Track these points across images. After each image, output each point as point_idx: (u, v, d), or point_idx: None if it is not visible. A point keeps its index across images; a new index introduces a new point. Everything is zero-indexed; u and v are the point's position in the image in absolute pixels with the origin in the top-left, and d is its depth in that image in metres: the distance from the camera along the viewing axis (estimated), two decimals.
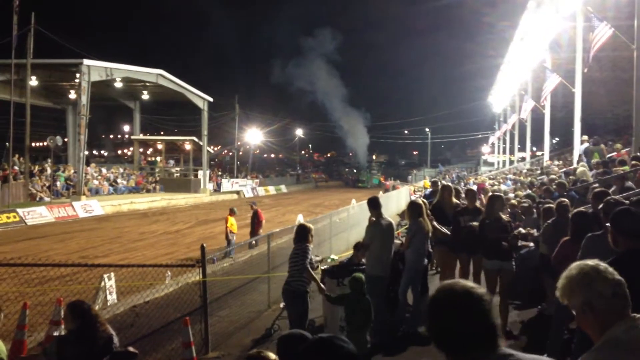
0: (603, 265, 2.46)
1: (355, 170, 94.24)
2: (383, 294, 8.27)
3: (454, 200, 10.08)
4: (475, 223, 8.69)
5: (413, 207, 8.97)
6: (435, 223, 9.25)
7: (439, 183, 13.86)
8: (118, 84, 41.65)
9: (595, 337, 2.40)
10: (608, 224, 4.33)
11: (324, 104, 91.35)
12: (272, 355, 3.33)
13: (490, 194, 11.63)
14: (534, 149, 49.07)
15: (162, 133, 66.54)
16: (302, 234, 7.90)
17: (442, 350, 1.99)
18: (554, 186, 12.32)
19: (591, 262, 2.49)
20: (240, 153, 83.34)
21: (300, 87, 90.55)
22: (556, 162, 26.86)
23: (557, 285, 2.52)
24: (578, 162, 18.39)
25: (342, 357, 1.96)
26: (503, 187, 20.30)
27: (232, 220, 18.73)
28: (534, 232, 9.22)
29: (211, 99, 50.82)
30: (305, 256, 7.65)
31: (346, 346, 1.99)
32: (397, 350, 7.81)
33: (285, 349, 2.97)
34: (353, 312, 7.06)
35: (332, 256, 13.41)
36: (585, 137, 21.04)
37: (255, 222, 19.65)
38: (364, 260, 9.33)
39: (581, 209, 6.53)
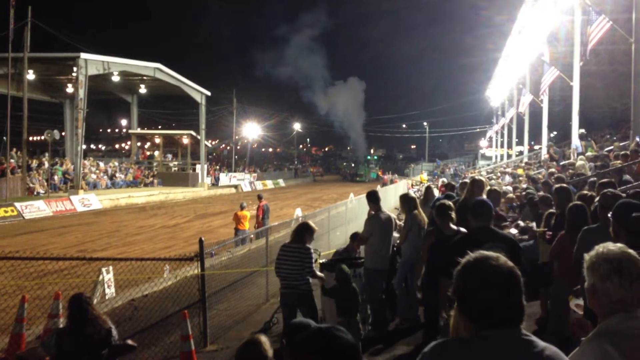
0: (626, 253, 2.38)
1: (353, 165, 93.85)
2: (382, 287, 8.28)
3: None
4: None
5: (406, 200, 8.88)
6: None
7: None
8: (115, 78, 41.48)
9: (600, 321, 2.40)
10: (609, 215, 4.31)
11: (320, 97, 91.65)
12: (263, 339, 3.37)
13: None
14: (532, 142, 49.08)
15: (159, 127, 66.55)
16: (302, 232, 7.62)
17: (469, 317, 2.04)
18: (553, 180, 12.34)
19: (614, 246, 2.43)
20: (238, 147, 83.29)
21: (296, 80, 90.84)
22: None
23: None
24: (577, 156, 18.41)
25: (340, 347, 1.96)
26: (507, 179, 20.34)
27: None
28: (533, 224, 9.16)
29: (209, 93, 50.81)
30: (311, 262, 7.52)
31: (344, 336, 1.99)
32: (394, 342, 7.83)
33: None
34: (342, 302, 7.27)
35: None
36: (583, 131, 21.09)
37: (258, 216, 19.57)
38: (359, 252, 9.38)
39: (577, 202, 6.52)
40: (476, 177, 9.81)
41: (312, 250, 7.65)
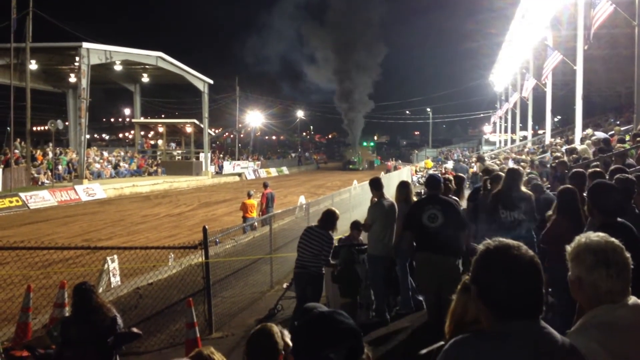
0: (610, 243, 2.32)
1: (351, 150, 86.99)
2: (384, 274, 8.30)
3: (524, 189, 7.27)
4: None
5: (399, 188, 8.82)
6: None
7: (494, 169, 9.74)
8: (118, 67, 41.51)
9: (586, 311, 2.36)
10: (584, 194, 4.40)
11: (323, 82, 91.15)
12: (275, 328, 3.41)
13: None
14: (536, 127, 48.91)
15: (162, 116, 66.53)
16: (330, 220, 7.93)
17: (489, 307, 2.00)
18: (555, 164, 12.30)
19: (596, 236, 2.36)
20: (242, 135, 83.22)
21: (298, 67, 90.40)
22: (557, 140, 26.85)
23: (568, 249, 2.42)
24: (582, 141, 18.35)
25: (342, 332, 1.97)
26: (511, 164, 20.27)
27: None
28: None
29: (211, 81, 50.64)
30: (329, 251, 7.75)
31: (347, 321, 2.00)
32: (398, 327, 7.85)
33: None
34: (347, 282, 7.87)
35: None
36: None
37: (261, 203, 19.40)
38: (361, 239, 9.42)
39: (568, 185, 6.50)
40: (512, 167, 9.29)
41: (333, 240, 7.88)
